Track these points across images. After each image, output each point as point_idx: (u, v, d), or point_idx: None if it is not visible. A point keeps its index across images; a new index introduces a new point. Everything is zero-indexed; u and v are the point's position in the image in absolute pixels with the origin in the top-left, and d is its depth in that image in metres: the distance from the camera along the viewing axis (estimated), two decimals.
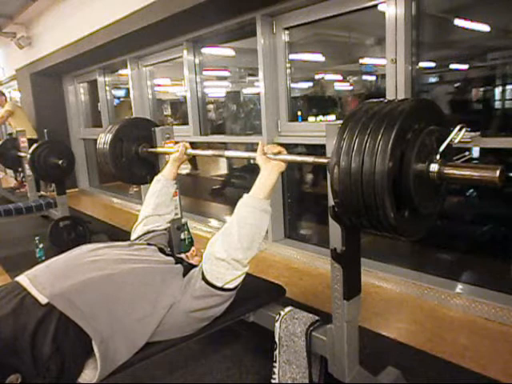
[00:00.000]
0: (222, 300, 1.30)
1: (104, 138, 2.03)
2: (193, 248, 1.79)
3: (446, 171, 0.96)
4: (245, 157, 1.41)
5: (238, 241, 1.24)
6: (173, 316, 1.25)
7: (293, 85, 2.88)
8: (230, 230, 1.27)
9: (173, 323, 1.26)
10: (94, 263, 1.29)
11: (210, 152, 1.77)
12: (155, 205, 1.77)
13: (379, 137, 0.90)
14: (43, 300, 1.11)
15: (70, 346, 1.08)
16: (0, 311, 1.08)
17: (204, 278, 1.27)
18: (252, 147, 5.35)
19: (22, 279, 1.21)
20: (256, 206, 1.27)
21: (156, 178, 1.83)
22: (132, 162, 2.08)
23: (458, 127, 0.98)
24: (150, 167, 2.10)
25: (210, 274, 1.26)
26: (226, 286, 1.27)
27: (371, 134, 0.92)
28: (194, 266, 1.42)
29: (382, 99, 1.04)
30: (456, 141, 0.98)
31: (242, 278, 1.30)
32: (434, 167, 0.96)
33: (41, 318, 1.07)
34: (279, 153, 1.33)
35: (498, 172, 0.87)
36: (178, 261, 1.51)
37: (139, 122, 2.22)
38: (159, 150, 2.00)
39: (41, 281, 1.18)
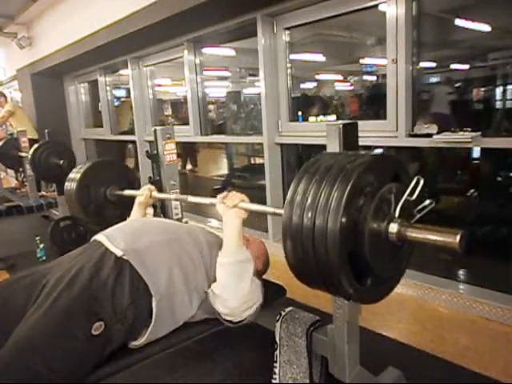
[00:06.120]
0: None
1: (70, 185, 2.00)
2: None
3: (407, 233, 0.88)
4: (206, 203, 1.48)
5: (234, 300, 1.28)
6: None
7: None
8: (221, 292, 1.29)
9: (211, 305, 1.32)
10: (161, 229, 1.45)
11: (173, 196, 1.84)
12: None
13: (333, 191, 0.84)
14: (118, 253, 1.25)
15: (141, 301, 1.20)
16: (81, 262, 1.24)
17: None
18: (252, 147, 5.37)
19: (100, 237, 1.36)
20: (231, 264, 1.31)
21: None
22: (101, 207, 2.05)
23: (414, 181, 0.90)
24: (122, 207, 2.04)
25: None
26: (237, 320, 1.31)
27: (325, 188, 0.85)
28: None
29: (342, 151, 0.98)
30: (414, 196, 0.91)
31: (254, 309, 1.32)
32: (393, 227, 0.89)
33: (118, 272, 1.20)
34: (242, 201, 1.35)
35: (458, 237, 0.83)
36: None
37: (104, 165, 2.16)
38: (125, 193, 1.99)
39: (116, 238, 1.32)
